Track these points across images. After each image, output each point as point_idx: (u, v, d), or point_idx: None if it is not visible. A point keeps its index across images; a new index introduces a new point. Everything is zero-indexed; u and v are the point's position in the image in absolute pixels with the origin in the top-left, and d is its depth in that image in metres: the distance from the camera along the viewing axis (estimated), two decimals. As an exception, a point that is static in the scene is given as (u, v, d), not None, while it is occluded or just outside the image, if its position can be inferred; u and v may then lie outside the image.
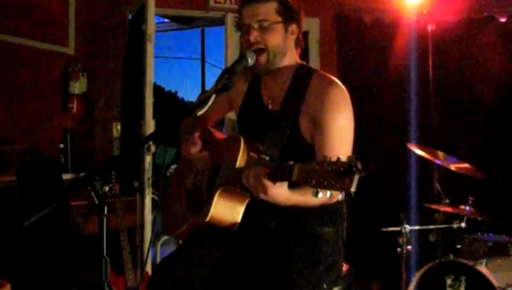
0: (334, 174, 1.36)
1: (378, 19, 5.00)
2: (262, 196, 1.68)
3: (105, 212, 1.66)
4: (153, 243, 4.20)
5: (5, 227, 3.32)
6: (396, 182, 4.56)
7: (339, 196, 1.40)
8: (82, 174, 1.93)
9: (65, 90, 4.71)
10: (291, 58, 2.02)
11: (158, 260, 4.20)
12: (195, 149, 2.11)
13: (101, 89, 4.91)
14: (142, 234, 3.75)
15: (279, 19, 1.95)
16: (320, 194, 1.40)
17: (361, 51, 5.04)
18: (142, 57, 3.76)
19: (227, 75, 1.81)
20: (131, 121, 4.08)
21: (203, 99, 1.81)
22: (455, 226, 3.36)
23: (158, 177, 4.42)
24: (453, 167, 3.47)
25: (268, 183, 1.63)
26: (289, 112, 1.95)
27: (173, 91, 24.25)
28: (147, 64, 3.72)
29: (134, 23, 4.16)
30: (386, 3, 4.87)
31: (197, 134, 2.11)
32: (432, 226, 3.46)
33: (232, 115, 3.86)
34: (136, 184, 3.80)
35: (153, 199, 3.84)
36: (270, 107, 2.04)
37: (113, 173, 3.30)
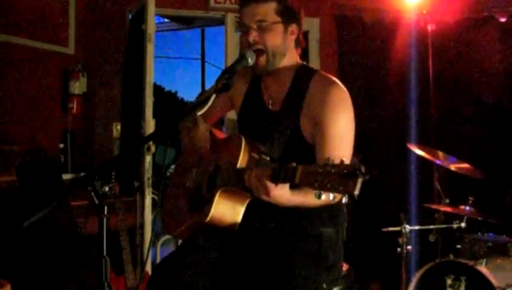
0: (338, 177, 1.37)
1: (378, 19, 5.01)
2: (264, 197, 1.68)
3: (105, 212, 1.66)
4: (153, 243, 4.20)
5: (5, 227, 3.32)
6: (396, 182, 4.56)
7: (342, 199, 1.40)
8: (82, 174, 1.93)
9: (65, 90, 4.71)
10: (291, 58, 2.02)
11: (158, 260, 4.19)
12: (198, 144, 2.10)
13: (101, 89, 4.91)
14: (142, 234, 3.75)
15: (279, 19, 1.94)
16: (323, 196, 1.40)
17: (361, 51, 5.04)
18: (142, 57, 3.76)
19: (227, 75, 1.81)
20: (131, 121, 4.08)
21: (203, 99, 1.81)
22: (455, 226, 3.36)
23: (158, 177, 4.42)
24: (453, 167, 3.46)
25: (270, 184, 1.63)
26: (290, 113, 1.95)
27: (173, 91, 24.24)
28: (147, 64, 3.72)
29: (134, 23, 4.16)
30: (386, 3, 4.87)
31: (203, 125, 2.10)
32: (432, 226, 3.46)
33: (232, 115, 3.86)
34: (136, 184, 3.80)
35: (153, 199, 3.84)
36: (270, 107, 2.04)
37: (113, 173, 3.30)
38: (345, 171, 1.36)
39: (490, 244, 3.33)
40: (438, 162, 3.55)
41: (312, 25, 5.05)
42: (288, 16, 1.97)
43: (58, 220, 3.59)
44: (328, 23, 5.15)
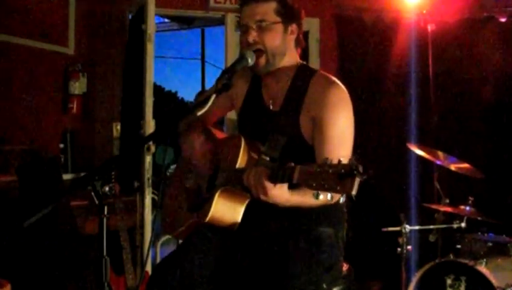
0: (335, 177, 1.37)
1: (378, 18, 5.00)
2: (262, 197, 1.68)
3: (105, 212, 1.66)
4: (153, 243, 4.20)
5: (5, 227, 3.32)
6: (396, 182, 4.56)
7: (340, 198, 1.40)
8: (82, 174, 1.93)
9: (65, 90, 4.71)
10: (291, 58, 2.02)
11: (158, 260, 4.19)
12: (198, 144, 2.10)
13: (101, 89, 4.91)
14: (142, 234, 3.75)
15: (278, 19, 1.94)
16: (321, 196, 1.40)
17: (361, 51, 5.04)
18: (142, 57, 3.76)
19: (228, 75, 1.81)
20: (131, 121, 4.08)
21: (203, 99, 1.80)
22: (455, 226, 3.36)
23: (158, 177, 4.42)
24: (453, 167, 3.46)
25: (268, 184, 1.63)
26: (289, 112, 1.95)
27: (173, 91, 24.26)
28: (147, 64, 3.72)
29: (134, 23, 4.16)
30: (386, 3, 4.87)
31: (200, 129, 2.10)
32: (432, 226, 3.46)
33: (232, 115, 3.86)
34: (136, 184, 3.80)
35: (153, 199, 3.84)
36: (270, 107, 2.03)
37: (113, 173, 3.31)
38: (343, 171, 1.36)
39: (490, 244, 3.33)
40: (438, 162, 3.54)
41: (312, 25, 5.05)
42: (288, 15, 1.96)
43: (58, 220, 3.59)
44: (328, 23, 5.15)
